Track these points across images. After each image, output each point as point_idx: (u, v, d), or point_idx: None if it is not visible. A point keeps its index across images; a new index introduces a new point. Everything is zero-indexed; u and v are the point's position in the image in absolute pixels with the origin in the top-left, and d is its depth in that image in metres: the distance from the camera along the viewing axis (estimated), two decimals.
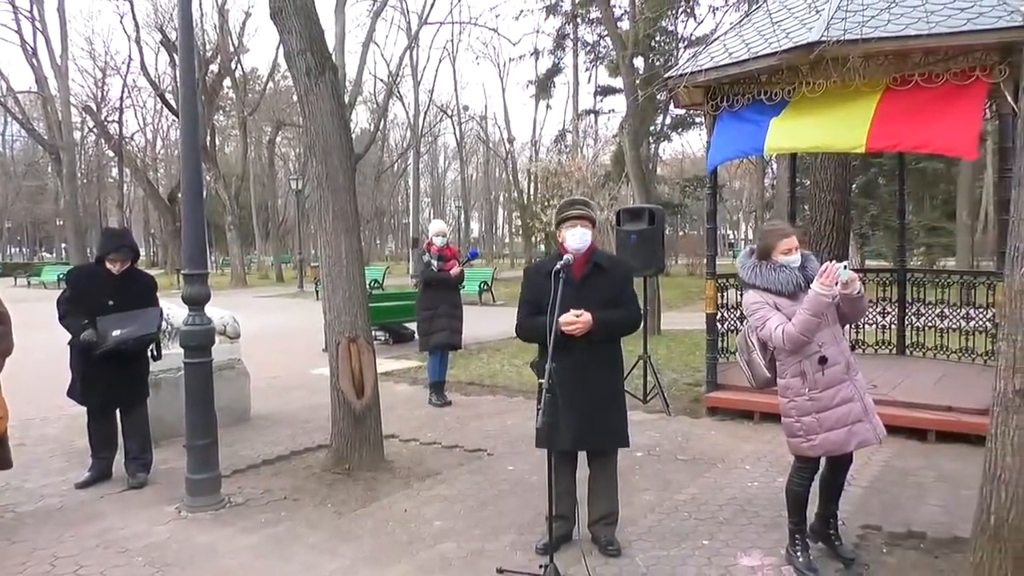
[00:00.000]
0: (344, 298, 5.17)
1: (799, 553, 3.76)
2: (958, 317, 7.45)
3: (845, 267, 3.57)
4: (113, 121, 35.13)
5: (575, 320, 3.64)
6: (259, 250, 42.07)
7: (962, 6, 5.56)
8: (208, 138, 28.14)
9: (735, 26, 6.73)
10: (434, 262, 7.33)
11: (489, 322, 14.81)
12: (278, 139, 39.79)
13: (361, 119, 45.00)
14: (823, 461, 3.78)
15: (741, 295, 5.48)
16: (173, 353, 5.60)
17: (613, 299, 3.76)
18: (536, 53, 35.69)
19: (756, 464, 5.30)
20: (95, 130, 37.14)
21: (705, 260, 7.13)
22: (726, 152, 6.23)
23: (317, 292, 21.08)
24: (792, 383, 3.72)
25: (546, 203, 25.09)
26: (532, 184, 51.66)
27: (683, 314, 16.37)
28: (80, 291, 4.79)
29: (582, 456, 3.92)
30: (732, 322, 7.55)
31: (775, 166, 26.28)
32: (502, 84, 68.71)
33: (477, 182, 67.50)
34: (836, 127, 5.56)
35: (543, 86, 36.69)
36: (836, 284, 3.56)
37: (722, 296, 7.31)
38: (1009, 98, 5.37)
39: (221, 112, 34.43)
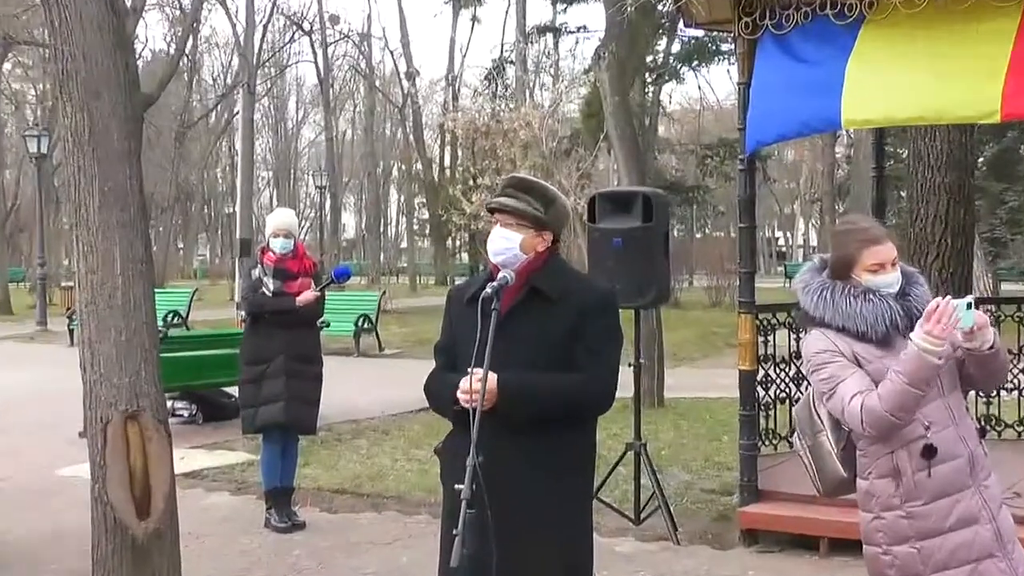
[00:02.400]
0: (118, 344, 5.11)
1: None
2: None
3: (970, 305, 3.56)
4: None
5: (474, 389, 3.63)
6: None
7: None
8: None
9: None
10: (270, 281, 7.40)
11: (373, 385, 14.80)
12: (4, 67, 39.03)
13: (154, 36, 44.57)
14: None
15: (800, 339, 5.56)
16: None
17: (555, 352, 3.78)
18: None
19: None
20: None
21: (738, 282, 7.27)
22: (776, 123, 6.42)
23: (72, 332, 20.58)
24: (880, 488, 3.77)
25: (472, 182, 25.25)
26: (449, 150, 52.04)
27: (701, 371, 16.66)
28: None
29: None
30: (784, 386, 7.68)
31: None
32: None
33: (354, 146, 67.53)
34: (950, 79, 5.73)
35: None
36: (953, 331, 3.56)
37: (766, 341, 7.46)
38: None
39: None
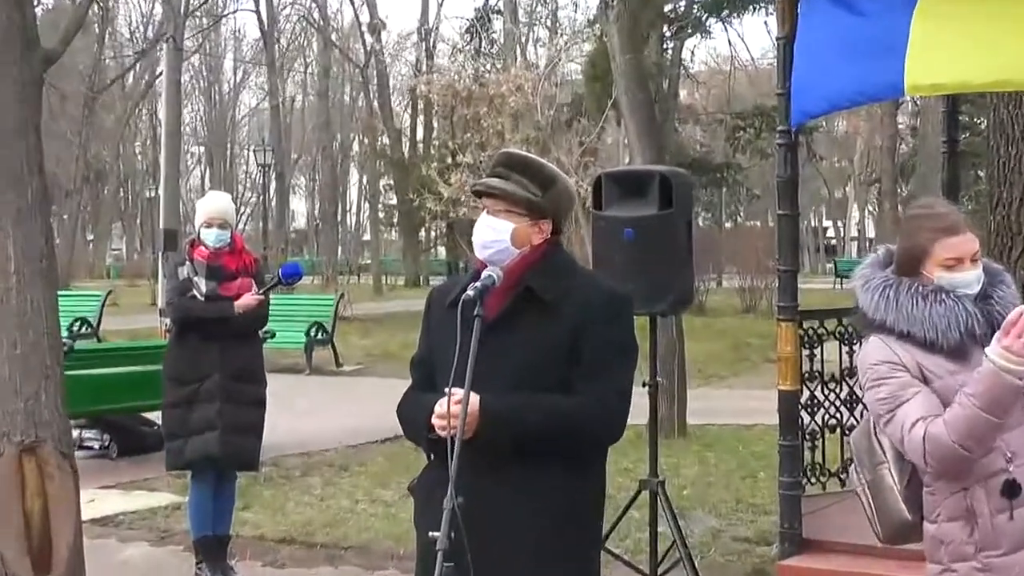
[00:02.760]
0: (12, 360, 5.14)
1: None
2: None
3: None
4: None
5: (452, 413, 3.64)
6: None
7: None
8: None
9: None
10: (201, 282, 7.41)
11: (329, 409, 14.81)
12: None
13: None
14: None
15: (855, 349, 5.55)
16: None
17: (552, 368, 3.80)
18: None
19: None
20: None
21: (777, 282, 7.27)
22: (825, 90, 6.44)
23: None
24: (950, 533, 3.78)
25: (451, 159, 25.27)
26: (422, 121, 51.95)
27: (732, 392, 16.68)
28: None
29: None
30: (834, 410, 7.69)
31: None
32: None
33: (305, 115, 67.36)
34: None
35: None
36: None
37: (812, 355, 7.46)
38: None
39: None
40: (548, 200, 3.90)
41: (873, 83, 6.28)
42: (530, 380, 3.77)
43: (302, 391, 15.94)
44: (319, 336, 20.74)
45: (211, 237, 7.44)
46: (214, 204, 7.67)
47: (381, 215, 56.29)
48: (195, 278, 7.40)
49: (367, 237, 64.19)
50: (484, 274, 3.76)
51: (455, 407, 3.57)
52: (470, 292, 3.67)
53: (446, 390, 3.61)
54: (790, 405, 6.99)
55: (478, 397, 3.62)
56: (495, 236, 3.87)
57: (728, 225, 49.11)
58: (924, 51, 5.95)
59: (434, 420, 3.69)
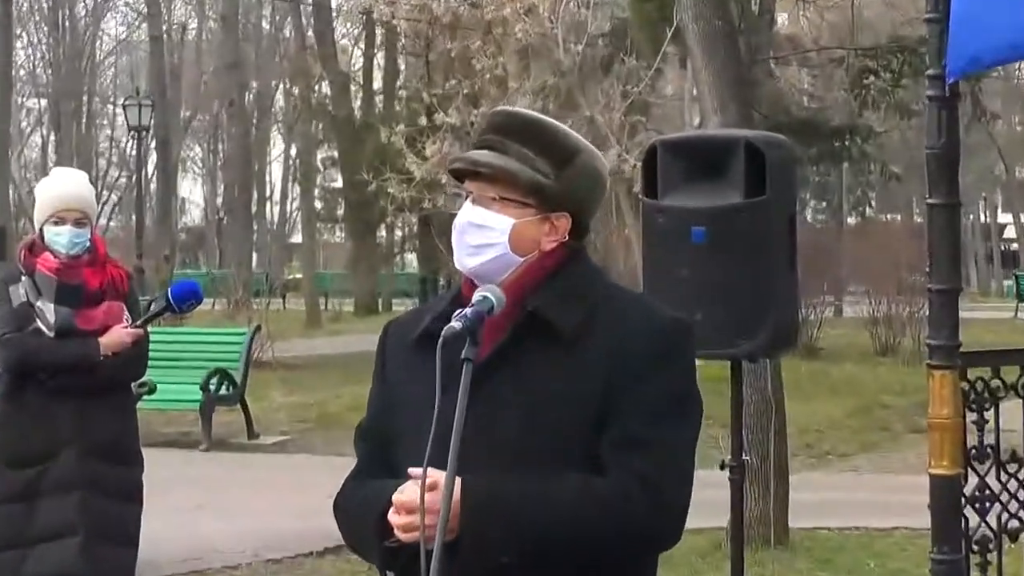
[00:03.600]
0: None
1: None
2: None
3: None
4: None
5: (414, 504, 3.63)
6: None
7: None
8: None
9: None
10: (48, 308, 7.42)
11: (235, 505, 14.78)
12: None
13: None
14: None
15: None
16: None
17: (574, 435, 3.78)
18: None
19: None
20: None
21: (927, 308, 7.28)
22: (1011, 24, 6.49)
23: None
24: None
25: (427, 119, 25.33)
26: (382, 60, 51.44)
27: (858, 478, 16.68)
28: None
29: None
30: (1016, 506, 7.67)
31: None
32: None
33: (201, 49, 66.83)
34: None
35: None
36: None
37: (983, 421, 7.44)
38: None
39: None
40: (565, 183, 3.87)
41: None
42: (538, 453, 3.76)
43: (196, 476, 15.93)
44: (223, 391, 20.54)
45: (62, 240, 7.46)
46: (65, 189, 7.67)
47: (319, 206, 56.47)
48: (38, 302, 7.40)
49: (297, 239, 64.25)
50: (477, 295, 3.76)
51: (429, 496, 3.58)
52: (456, 323, 3.65)
53: (411, 471, 3.61)
54: (949, 498, 7.01)
55: (459, 480, 3.61)
56: (485, 237, 3.87)
57: (852, 221, 49.19)
58: None
59: (392, 518, 3.68)
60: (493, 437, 3.73)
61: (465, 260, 3.88)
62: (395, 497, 3.66)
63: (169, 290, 7.99)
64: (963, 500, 7.15)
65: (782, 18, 39.87)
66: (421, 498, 3.54)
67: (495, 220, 3.86)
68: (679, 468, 3.78)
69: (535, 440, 3.76)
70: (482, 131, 4.02)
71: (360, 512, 3.88)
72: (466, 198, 3.93)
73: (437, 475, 3.55)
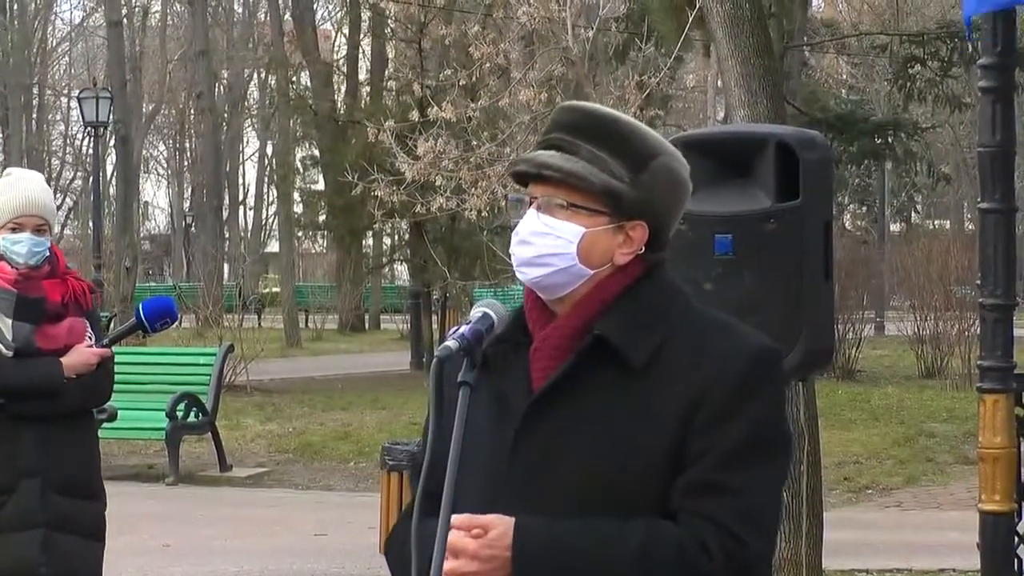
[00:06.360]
0: None
1: None
2: None
3: None
4: None
5: (466, 550, 3.59)
6: None
7: None
8: None
9: None
10: (6, 325, 7.39)
11: (205, 548, 14.81)
12: None
13: None
14: None
15: None
16: None
17: (646, 478, 3.74)
18: None
19: None
20: None
21: (979, 326, 7.30)
22: None
23: None
24: None
25: (419, 112, 25.39)
26: (369, 47, 51.40)
27: (902, 514, 16.70)
28: None
29: None
30: None
31: None
32: None
33: (166, 36, 66.82)
34: None
35: None
36: None
37: None
38: None
39: None
40: (642, 189, 3.82)
41: None
42: (601, 497, 3.73)
43: (162, 513, 15.98)
44: (191, 418, 20.52)
45: (21, 248, 7.43)
46: (23, 192, 7.62)
47: (298, 210, 56.35)
48: None
49: (274, 248, 64.22)
50: (476, 311, 3.79)
51: (473, 544, 3.58)
52: (451, 342, 3.68)
53: (454, 518, 3.54)
54: (1001, 537, 7.04)
55: (509, 521, 3.61)
56: (551, 247, 3.83)
57: (895, 228, 49.09)
58: None
59: (442, 566, 3.59)
60: (550, 477, 3.72)
61: (527, 271, 3.86)
62: (450, 538, 3.58)
63: (140, 306, 7.97)
64: (1016, 538, 7.17)
65: (817, 0, 39.79)
66: (440, 542, 3.52)
67: (563, 229, 3.82)
68: (763, 518, 3.74)
69: (598, 483, 3.72)
70: (548, 129, 3.96)
71: (400, 551, 3.83)
72: (529, 204, 3.88)
73: (484, 521, 3.57)
